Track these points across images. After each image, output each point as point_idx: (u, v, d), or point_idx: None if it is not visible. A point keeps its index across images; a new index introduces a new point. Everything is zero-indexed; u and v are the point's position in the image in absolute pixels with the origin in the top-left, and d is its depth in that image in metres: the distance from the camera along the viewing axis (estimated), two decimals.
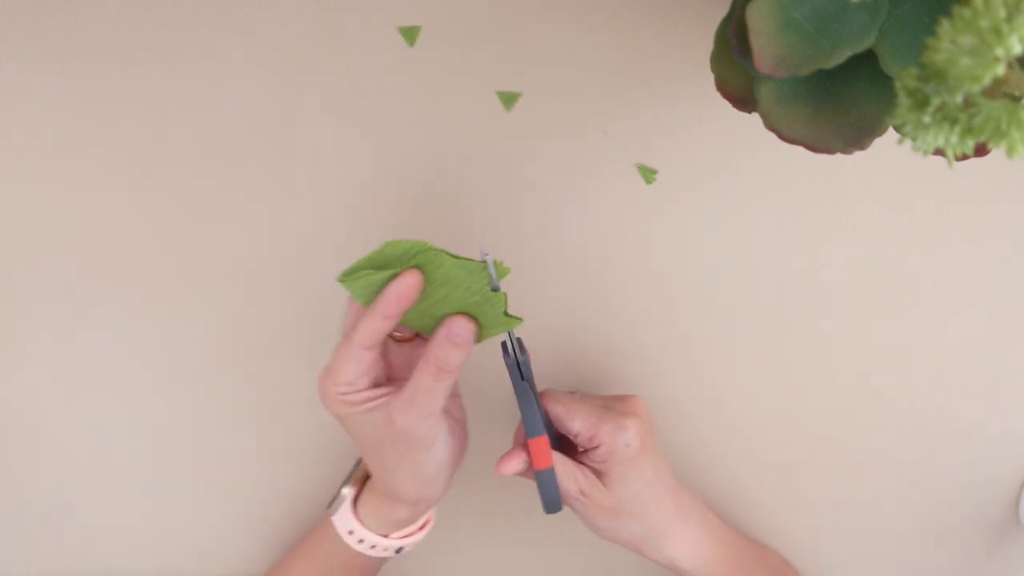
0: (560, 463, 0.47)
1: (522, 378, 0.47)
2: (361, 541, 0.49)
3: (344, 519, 0.49)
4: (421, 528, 0.50)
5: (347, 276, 0.42)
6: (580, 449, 0.49)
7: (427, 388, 0.42)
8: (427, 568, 0.61)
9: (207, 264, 0.55)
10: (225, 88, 0.51)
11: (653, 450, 0.48)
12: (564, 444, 0.49)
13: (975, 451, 0.55)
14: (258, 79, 0.51)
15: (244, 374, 0.57)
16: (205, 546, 0.61)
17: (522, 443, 0.48)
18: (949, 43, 0.23)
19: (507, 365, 0.47)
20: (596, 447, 0.47)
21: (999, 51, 0.22)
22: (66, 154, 0.53)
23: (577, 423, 0.47)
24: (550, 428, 0.48)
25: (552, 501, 0.47)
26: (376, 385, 0.44)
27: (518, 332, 0.48)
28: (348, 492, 0.50)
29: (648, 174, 0.52)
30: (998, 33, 0.22)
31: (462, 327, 0.43)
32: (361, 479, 0.51)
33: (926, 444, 0.55)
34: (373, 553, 0.49)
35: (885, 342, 0.54)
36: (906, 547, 0.58)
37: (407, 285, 0.41)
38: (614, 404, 0.48)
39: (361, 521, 0.49)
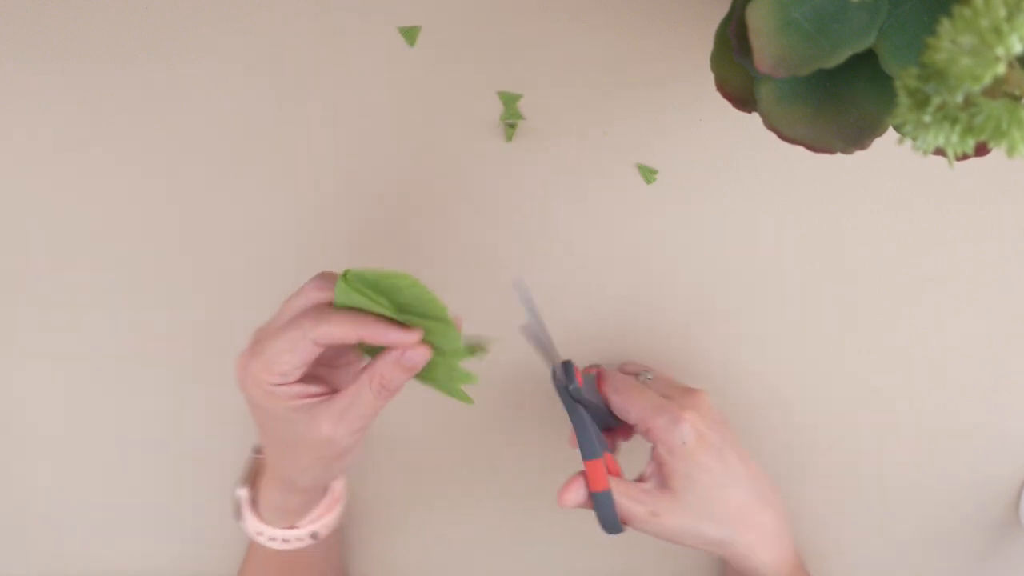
0: (621, 486, 0.45)
1: (573, 399, 0.45)
2: (272, 539, 0.48)
3: (250, 523, 0.48)
4: (331, 508, 0.49)
5: (350, 284, 0.40)
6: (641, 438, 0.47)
7: (365, 403, 0.41)
8: (424, 563, 0.61)
9: (207, 264, 0.55)
10: (225, 88, 0.51)
11: (719, 446, 0.45)
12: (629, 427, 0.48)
13: (975, 451, 0.55)
14: (258, 79, 0.51)
15: None
16: (205, 547, 0.61)
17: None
18: (949, 42, 0.23)
19: (556, 388, 0.45)
20: (654, 442, 0.45)
21: (999, 50, 0.22)
22: (66, 154, 0.53)
23: (632, 414, 0.45)
24: (611, 416, 0.47)
25: (610, 523, 0.45)
26: (303, 380, 0.41)
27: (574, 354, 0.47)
28: (243, 494, 0.48)
29: (648, 174, 0.52)
30: (998, 32, 0.22)
31: (418, 355, 0.40)
32: (252, 477, 0.49)
33: (926, 444, 0.55)
34: (288, 547, 0.48)
35: (885, 342, 0.54)
36: (906, 547, 0.58)
37: (419, 360, 0.40)
38: (676, 395, 0.46)
39: (264, 520, 0.48)
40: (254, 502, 0.49)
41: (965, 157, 0.26)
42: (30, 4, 0.50)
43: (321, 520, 0.49)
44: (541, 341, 0.44)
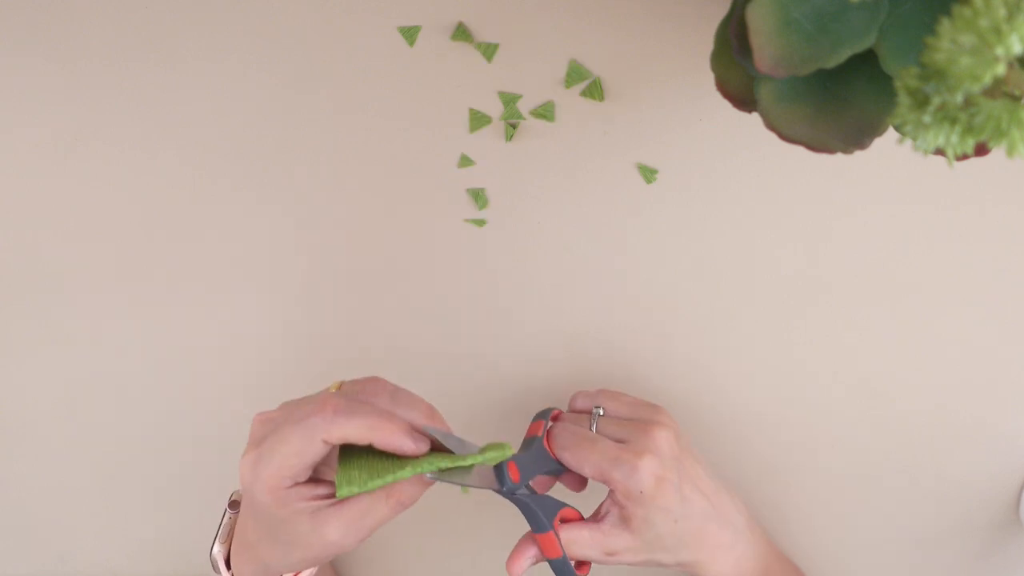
0: (576, 535, 0.45)
1: (515, 492, 0.45)
2: None
3: None
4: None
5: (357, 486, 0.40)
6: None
7: (379, 516, 0.40)
8: (420, 568, 0.61)
9: (207, 264, 0.55)
10: (225, 88, 0.51)
11: (678, 480, 0.46)
12: None
13: (975, 451, 0.55)
14: (258, 79, 0.51)
15: (245, 376, 0.57)
16: (204, 547, 0.61)
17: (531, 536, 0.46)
18: (949, 42, 0.23)
19: (502, 494, 0.45)
20: (611, 489, 0.45)
21: (999, 50, 0.22)
22: (66, 154, 0.53)
23: (587, 470, 0.45)
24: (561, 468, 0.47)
25: None
26: (309, 481, 0.41)
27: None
28: (218, 552, 0.47)
29: (648, 174, 0.52)
30: (998, 32, 0.22)
31: (427, 484, 0.40)
32: (228, 535, 0.47)
33: (926, 444, 0.55)
34: None
35: (885, 342, 0.54)
36: (906, 547, 0.58)
37: (412, 497, 0.40)
38: (632, 435, 0.46)
39: None
40: (229, 562, 0.47)
41: (965, 157, 0.26)
42: (30, 4, 0.50)
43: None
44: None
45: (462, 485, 0.43)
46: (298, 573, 0.46)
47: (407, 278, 0.55)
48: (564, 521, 0.47)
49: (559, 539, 0.45)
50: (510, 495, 0.45)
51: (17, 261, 0.55)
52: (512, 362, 0.55)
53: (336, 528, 0.39)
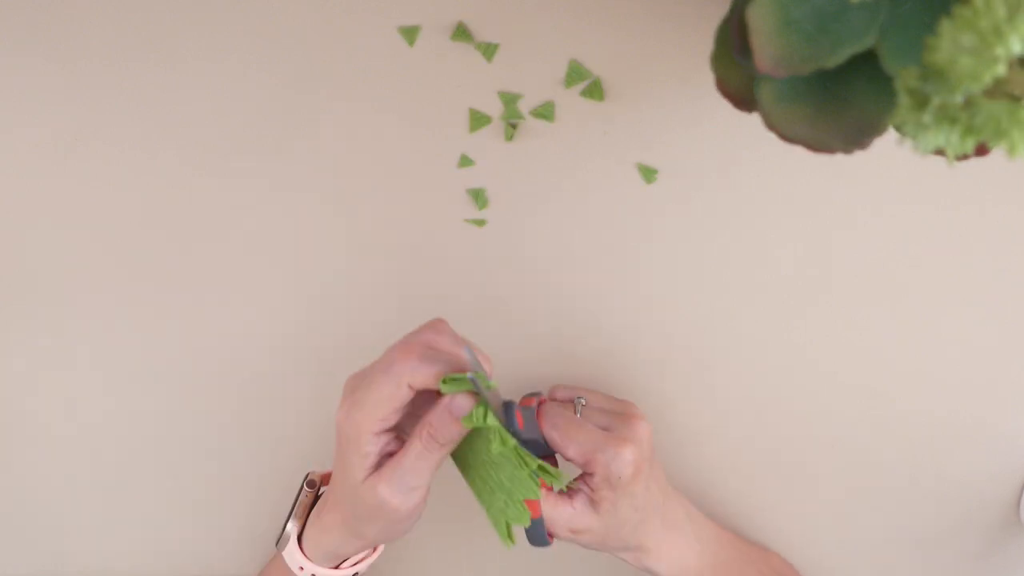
0: (549, 506, 0.46)
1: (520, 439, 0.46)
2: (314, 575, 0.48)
3: (293, 556, 0.48)
4: (376, 549, 0.50)
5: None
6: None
7: (416, 457, 0.42)
8: (422, 568, 0.61)
9: (207, 264, 0.55)
10: (225, 88, 0.51)
11: (649, 475, 0.47)
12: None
13: (975, 451, 0.55)
14: (258, 79, 0.51)
15: (245, 375, 0.57)
16: (204, 547, 0.61)
17: None
18: (949, 42, 0.23)
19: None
20: (591, 473, 0.46)
21: (999, 51, 0.22)
22: (65, 154, 0.53)
23: (572, 450, 0.46)
24: (546, 447, 0.48)
25: (540, 542, 0.47)
26: (396, 429, 0.44)
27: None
28: (292, 528, 0.49)
29: (648, 174, 0.52)
30: (998, 32, 0.22)
31: (464, 400, 0.42)
32: (304, 512, 0.50)
33: (926, 444, 0.55)
34: None
35: (885, 342, 0.54)
36: (906, 547, 0.58)
37: (467, 406, 0.42)
38: (615, 425, 0.47)
39: (308, 556, 0.48)
40: (300, 537, 0.49)
41: (965, 157, 0.26)
42: (30, 4, 0.50)
43: (364, 562, 0.49)
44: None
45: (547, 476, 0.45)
46: (361, 557, 0.49)
47: (407, 278, 0.55)
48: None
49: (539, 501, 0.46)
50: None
51: (17, 261, 0.55)
52: (512, 362, 0.55)
53: (386, 485, 0.43)
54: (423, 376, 0.42)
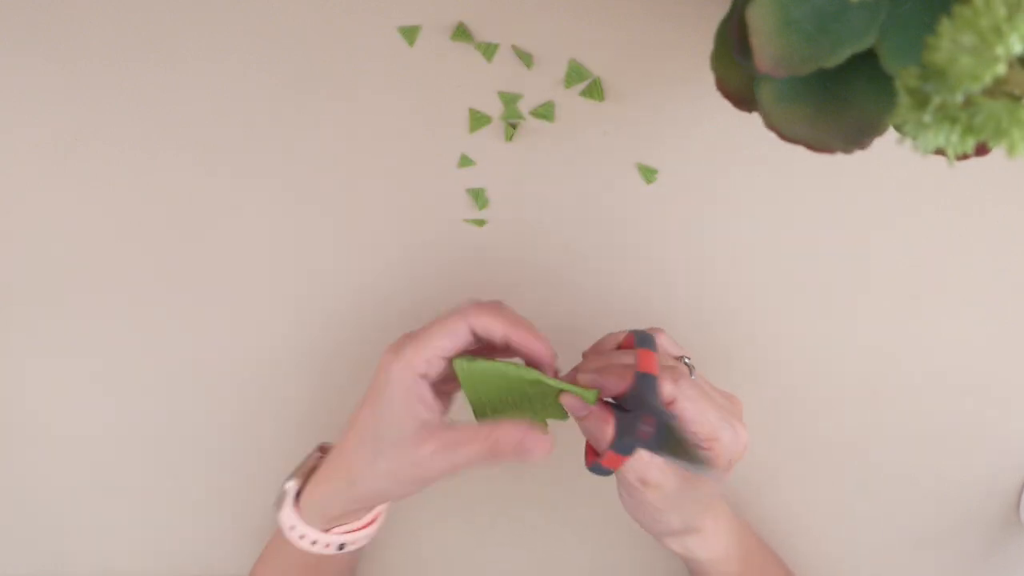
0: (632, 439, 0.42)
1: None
2: (302, 537, 0.47)
3: (286, 514, 0.47)
4: (367, 525, 0.48)
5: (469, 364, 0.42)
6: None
7: (469, 452, 0.41)
8: (421, 568, 0.61)
9: (206, 265, 0.55)
10: (225, 88, 0.51)
11: None
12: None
13: (975, 451, 0.55)
14: (258, 79, 0.51)
15: (245, 376, 0.57)
16: (204, 547, 0.61)
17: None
18: (949, 42, 0.23)
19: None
20: (707, 448, 0.42)
21: (999, 50, 0.22)
22: (66, 154, 0.53)
23: (702, 427, 0.42)
24: (659, 411, 0.41)
25: (601, 471, 0.42)
26: (438, 390, 0.43)
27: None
28: (292, 486, 0.48)
29: (648, 174, 0.52)
30: (998, 32, 0.22)
31: (536, 446, 0.41)
32: (305, 473, 0.48)
33: (926, 444, 0.55)
34: (315, 550, 0.47)
35: (885, 342, 0.54)
36: (906, 547, 0.58)
37: (535, 453, 0.41)
38: (726, 404, 0.44)
39: (301, 515, 0.47)
40: (298, 496, 0.48)
41: (965, 157, 0.26)
42: (30, 4, 0.50)
43: (352, 534, 0.48)
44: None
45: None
46: (350, 528, 0.48)
47: (407, 278, 0.55)
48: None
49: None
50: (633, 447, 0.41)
51: (17, 261, 0.55)
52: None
53: (430, 444, 0.41)
54: (486, 319, 0.41)
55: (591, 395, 0.42)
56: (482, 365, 0.42)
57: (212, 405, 0.57)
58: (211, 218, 0.54)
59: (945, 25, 0.23)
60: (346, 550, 0.48)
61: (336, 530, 0.47)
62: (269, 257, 0.54)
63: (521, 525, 0.59)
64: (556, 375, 0.44)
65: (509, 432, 0.41)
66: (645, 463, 0.42)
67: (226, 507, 0.59)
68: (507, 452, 0.41)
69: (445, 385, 0.45)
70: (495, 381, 0.43)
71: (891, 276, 0.52)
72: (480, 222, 0.53)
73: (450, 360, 0.42)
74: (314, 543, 0.47)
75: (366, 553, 0.61)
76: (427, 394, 0.42)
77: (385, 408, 0.42)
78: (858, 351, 0.54)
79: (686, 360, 0.45)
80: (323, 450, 0.50)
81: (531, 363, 0.43)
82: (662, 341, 0.46)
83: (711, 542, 0.48)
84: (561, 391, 0.42)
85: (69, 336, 0.56)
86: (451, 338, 0.41)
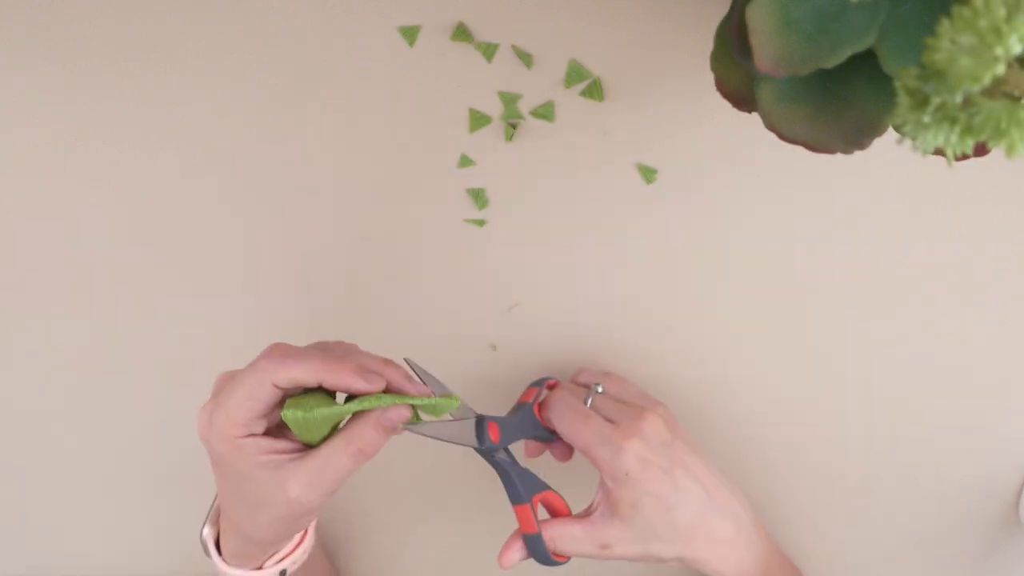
0: (567, 530, 0.45)
1: (494, 453, 0.45)
2: None
3: (216, 563, 0.46)
4: (298, 544, 0.47)
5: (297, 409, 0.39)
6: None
7: (340, 467, 0.39)
8: (423, 567, 0.61)
9: (205, 265, 0.55)
10: (225, 88, 0.51)
11: (669, 466, 0.45)
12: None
13: (975, 451, 0.55)
14: (258, 79, 0.51)
15: None
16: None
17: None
18: (949, 43, 0.23)
19: (480, 452, 0.45)
20: (599, 469, 0.45)
21: (999, 51, 0.22)
22: (66, 154, 0.53)
23: (577, 442, 0.45)
24: (550, 435, 0.48)
25: (544, 560, 0.46)
26: (271, 434, 0.40)
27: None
28: (208, 534, 0.46)
29: (648, 174, 0.52)
30: (998, 33, 0.22)
31: (396, 414, 0.40)
32: (216, 518, 0.47)
33: (926, 444, 0.55)
34: None
35: (885, 342, 0.54)
36: (906, 547, 0.58)
37: (396, 420, 0.40)
38: (622, 418, 0.46)
39: (227, 561, 0.46)
40: (218, 542, 0.47)
41: (964, 157, 0.26)
42: (30, 4, 0.50)
43: (288, 558, 0.47)
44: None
45: (435, 438, 0.42)
46: (284, 554, 0.46)
47: (407, 278, 0.55)
48: (546, 504, 0.46)
49: (535, 514, 0.45)
50: (488, 455, 0.45)
51: (17, 261, 0.55)
52: (511, 362, 0.55)
53: (297, 482, 0.39)
54: (289, 372, 0.38)
55: (443, 403, 0.42)
56: (314, 415, 0.39)
57: None
58: (210, 217, 0.54)
59: (944, 26, 0.23)
60: (290, 573, 0.47)
61: (269, 562, 0.46)
62: (269, 256, 0.55)
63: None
64: (405, 383, 0.42)
65: (364, 426, 0.40)
66: (588, 530, 0.45)
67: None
68: (372, 441, 0.40)
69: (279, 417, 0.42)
70: (331, 420, 0.40)
71: (891, 276, 0.52)
72: (480, 222, 0.53)
73: (272, 410, 0.40)
74: None
75: (360, 560, 0.61)
76: (262, 443, 0.39)
77: (231, 476, 0.40)
78: (858, 351, 0.54)
79: (596, 388, 0.48)
80: None
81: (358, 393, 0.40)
82: (576, 376, 0.51)
83: (719, 560, 0.47)
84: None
85: (69, 335, 0.56)
86: (258, 401, 0.38)
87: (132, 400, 0.57)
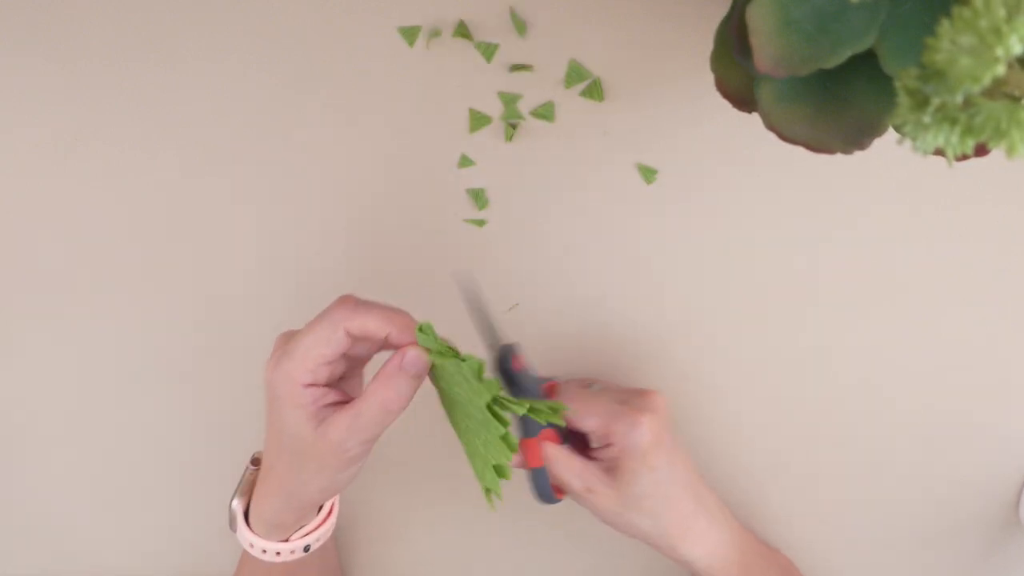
0: (564, 461, 0.47)
1: (510, 384, 0.47)
2: (265, 551, 0.47)
3: (243, 534, 0.48)
4: (324, 520, 0.49)
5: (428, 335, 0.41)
6: (593, 445, 0.48)
7: (374, 411, 0.41)
8: (424, 567, 0.61)
9: (205, 265, 0.55)
10: (225, 88, 0.51)
11: (670, 447, 0.47)
12: (577, 436, 0.49)
13: (975, 451, 0.55)
14: (258, 79, 0.51)
15: (246, 375, 0.57)
16: (204, 547, 0.61)
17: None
18: (949, 43, 0.23)
19: (497, 371, 0.47)
20: (609, 444, 0.46)
21: (999, 51, 0.22)
22: (66, 154, 0.53)
23: (590, 421, 0.46)
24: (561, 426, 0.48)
25: (544, 495, 0.48)
26: (327, 386, 0.42)
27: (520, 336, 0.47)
28: (237, 506, 0.48)
29: (648, 174, 0.52)
30: (998, 33, 0.22)
31: (415, 356, 0.41)
32: (248, 490, 0.49)
33: (926, 444, 0.55)
34: (279, 560, 0.48)
35: (885, 342, 0.54)
36: (906, 547, 0.58)
37: (418, 363, 0.41)
38: (631, 399, 0.48)
39: (256, 532, 0.47)
40: (247, 514, 0.48)
41: (964, 157, 0.26)
42: (30, 4, 0.50)
43: (313, 533, 0.48)
44: (483, 324, 0.45)
45: (449, 381, 0.42)
46: (308, 529, 0.48)
47: (407, 278, 0.55)
48: (547, 440, 0.48)
49: (542, 450, 0.47)
50: (507, 374, 0.47)
51: (17, 261, 0.55)
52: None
53: (338, 427, 0.41)
54: (362, 320, 0.40)
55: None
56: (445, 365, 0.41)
57: (213, 405, 0.57)
58: (211, 218, 0.54)
59: (945, 26, 0.23)
60: (310, 551, 0.49)
61: (296, 535, 0.48)
62: (269, 257, 0.55)
63: (521, 528, 0.59)
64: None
65: (388, 369, 0.41)
66: (580, 468, 0.46)
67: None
68: (399, 385, 0.41)
69: (339, 380, 0.44)
70: (457, 380, 0.42)
71: (891, 276, 0.52)
72: (480, 222, 0.53)
73: (337, 359, 0.42)
74: (279, 553, 0.47)
75: (364, 559, 0.61)
76: (317, 394, 0.41)
77: (285, 423, 0.42)
78: (858, 351, 0.54)
79: (595, 387, 0.51)
80: (256, 462, 0.50)
81: None
82: (570, 383, 0.51)
83: (701, 547, 0.49)
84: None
85: (70, 336, 0.56)
86: (328, 346, 0.40)
87: (132, 400, 0.57)
